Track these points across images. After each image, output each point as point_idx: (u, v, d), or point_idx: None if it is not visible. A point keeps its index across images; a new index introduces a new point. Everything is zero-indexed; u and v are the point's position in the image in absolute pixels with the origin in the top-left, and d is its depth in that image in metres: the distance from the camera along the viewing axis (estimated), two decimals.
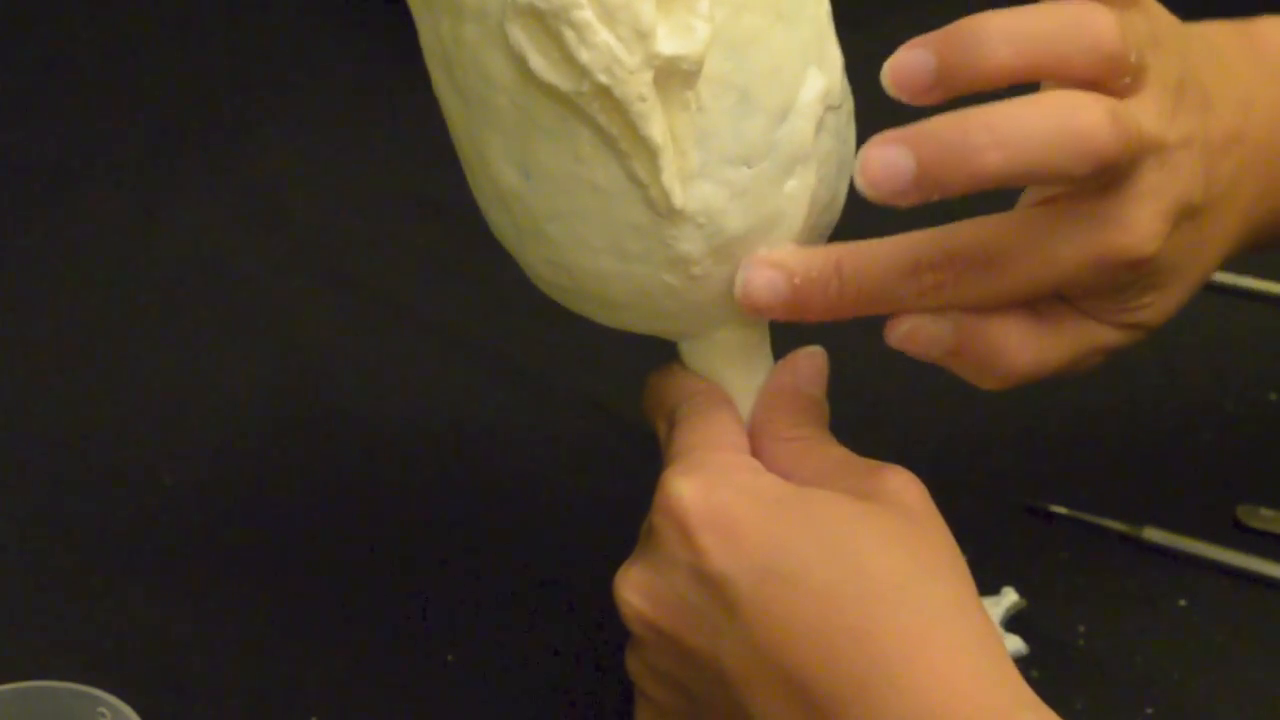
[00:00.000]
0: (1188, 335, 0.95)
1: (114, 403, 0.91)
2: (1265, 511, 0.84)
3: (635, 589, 0.66)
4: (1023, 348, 0.68)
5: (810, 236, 0.67)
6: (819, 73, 0.66)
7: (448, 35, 0.65)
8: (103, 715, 0.66)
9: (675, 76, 0.62)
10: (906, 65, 0.63)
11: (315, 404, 0.91)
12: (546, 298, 0.70)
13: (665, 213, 0.64)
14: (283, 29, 1.17)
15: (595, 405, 0.90)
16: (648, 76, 0.62)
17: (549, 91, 0.63)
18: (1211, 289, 0.97)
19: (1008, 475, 0.87)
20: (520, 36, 0.62)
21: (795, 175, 0.66)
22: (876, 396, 0.90)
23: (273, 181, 1.05)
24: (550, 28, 0.61)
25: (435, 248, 1.01)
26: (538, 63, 0.62)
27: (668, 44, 0.62)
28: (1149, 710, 0.77)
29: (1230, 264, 0.97)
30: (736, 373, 0.70)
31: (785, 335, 0.71)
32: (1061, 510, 0.84)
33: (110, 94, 1.12)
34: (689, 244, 0.65)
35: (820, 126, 0.66)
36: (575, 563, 0.82)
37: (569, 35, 0.61)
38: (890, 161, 0.62)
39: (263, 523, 0.85)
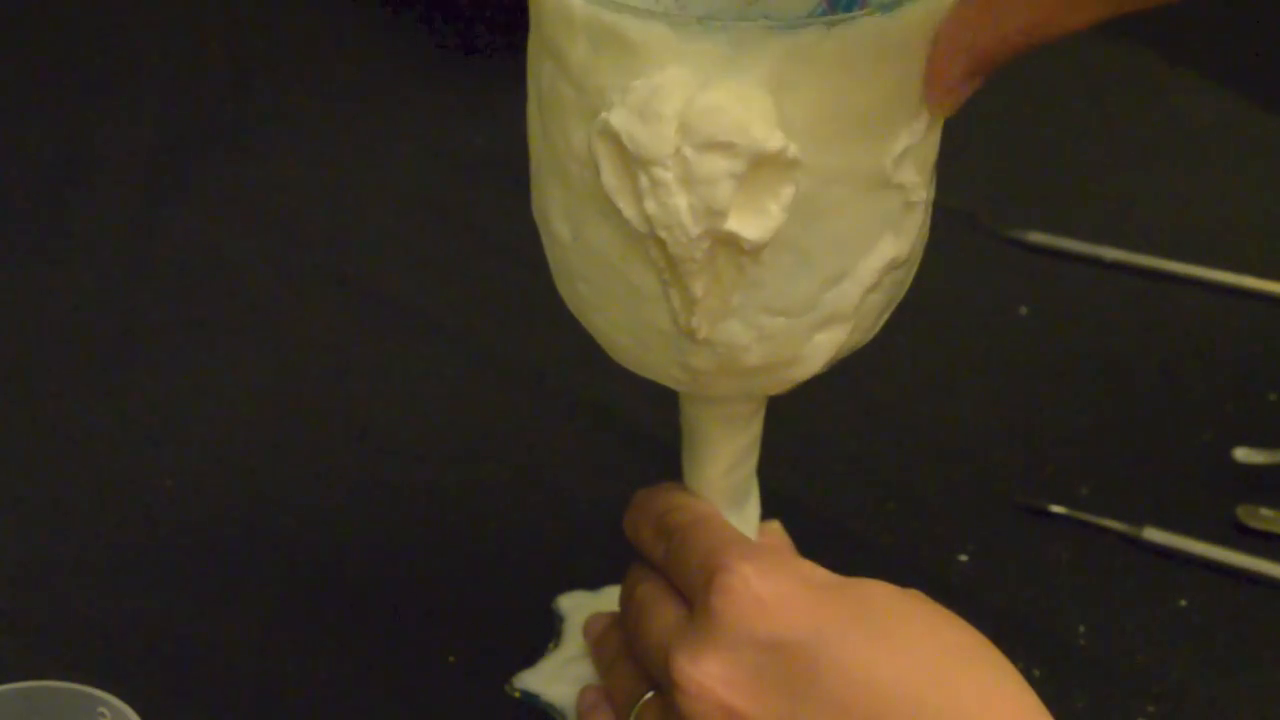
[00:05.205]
0: (1188, 335, 0.95)
1: (114, 403, 0.91)
2: (1265, 511, 0.84)
3: (709, 674, 0.64)
4: None
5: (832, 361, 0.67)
6: (894, 240, 0.63)
7: (546, 79, 0.62)
8: (103, 715, 0.66)
9: (734, 248, 0.60)
10: None
11: (316, 404, 0.91)
12: (547, 298, 0.70)
13: (686, 336, 0.63)
14: (283, 30, 1.17)
15: (596, 406, 0.90)
16: (705, 245, 0.60)
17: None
18: (1211, 289, 0.97)
19: (1008, 475, 0.87)
20: (600, 150, 0.60)
21: (828, 330, 0.64)
22: (876, 396, 0.90)
23: (274, 182, 1.05)
24: (629, 169, 0.60)
25: (436, 248, 1.01)
26: (609, 181, 0.60)
27: (735, 222, 0.59)
28: (1149, 710, 0.77)
29: (1230, 264, 0.98)
30: (725, 430, 0.70)
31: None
32: (1061, 510, 0.84)
33: (112, 94, 1.11)
34: (701, 362, 0.64)
35: (874, 288, 0.64)
36: (576, 563, 0.82)
37: (643, 183, 0.59)
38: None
39: (263, 523, 0.85)
